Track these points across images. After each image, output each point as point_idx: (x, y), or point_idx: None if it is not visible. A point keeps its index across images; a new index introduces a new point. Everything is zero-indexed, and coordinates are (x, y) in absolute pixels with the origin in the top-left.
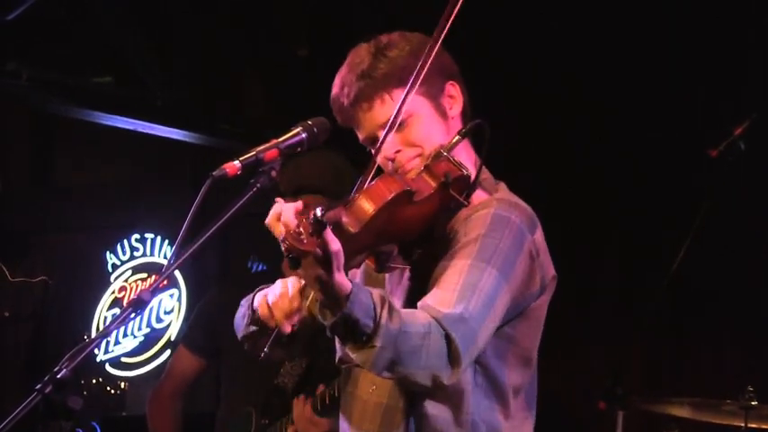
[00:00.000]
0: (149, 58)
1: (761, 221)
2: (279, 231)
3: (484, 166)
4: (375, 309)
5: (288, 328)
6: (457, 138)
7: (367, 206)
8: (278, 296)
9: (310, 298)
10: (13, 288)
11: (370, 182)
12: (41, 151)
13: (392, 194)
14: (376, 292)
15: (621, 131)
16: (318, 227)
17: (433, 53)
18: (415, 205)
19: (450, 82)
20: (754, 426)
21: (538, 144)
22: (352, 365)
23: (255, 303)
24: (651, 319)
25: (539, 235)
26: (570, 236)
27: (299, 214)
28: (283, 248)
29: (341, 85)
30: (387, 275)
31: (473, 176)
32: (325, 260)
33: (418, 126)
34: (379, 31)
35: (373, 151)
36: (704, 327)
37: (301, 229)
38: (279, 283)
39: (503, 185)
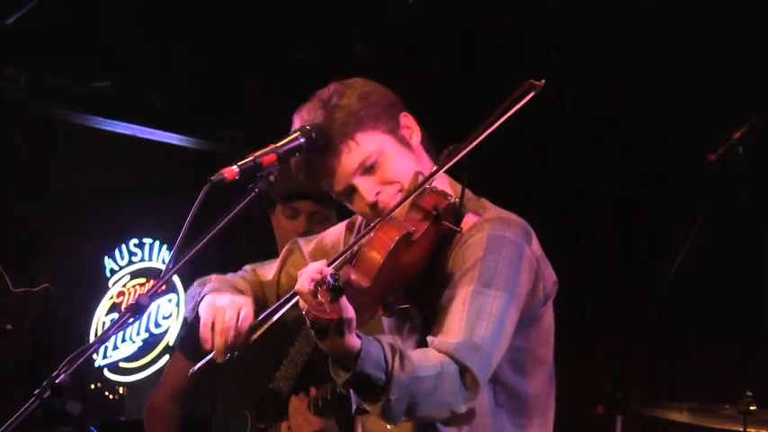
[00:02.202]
0: (149, 63)
1: (760, 226)
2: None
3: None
4: (386, 360)
5: (222, 359)
6: (436, 168)
7: (373, 258)
8: (224, 324)
9: (258, 333)
10: (15, 299)
11: (367, 233)
12: (40, 156)
13: (395, 241)
14: (386, 341)
15: (622, 135)
16: (337, 293)
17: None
18: (415, 245)
19: (403, 113)
20: (752, 431)
21: (538, 146)
22: None
23: (201, 311)
24: (650, 324)
25: (535, 244)
26: (570, 239)
27: (315, 283)
28: (308, 321)
29: None
30: (398, 318)
31: (458, 200)
32: (342, 326)
33: (390, 163)
34: (380, 35)
35: (350, 205)
36: (703, 331)
37: (320, 298)
38: (230, 306)
39: (485, 201)
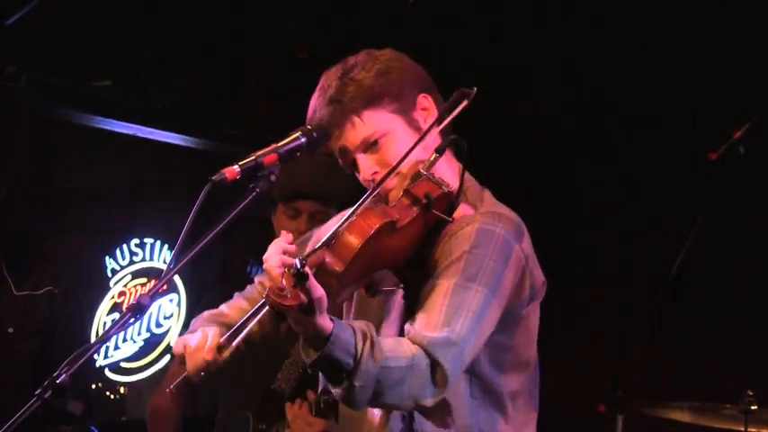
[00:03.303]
0: (149, 62)
1: (760, 226)
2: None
3: (467, 175)
4: (356, 346)
5: (195, 379)
6: (434, 156)
7: (350, 244)
8: (193, 348)
9: (227, 353)
10: (18, 302)
11: (353, 214)
12: (42, 155)
13: (373, 229)
14: (359, 328)
15: (621, 135)
16: (300, 279)
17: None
18: (399, 232)
19: (423, 95)
20: (753, 430)
21: (538, 145)
22: None
23: (174, 347)
24: (651, 323)
25: (526, 242)
26: (570, 239)
27: (283, 265)
28: (267, 304)
29: (313, 111)
30: (384, 298)
31: (455, 190)
32: (309, 308)
33: (392, 145)
34: (380, 34)
35: (357, 175)
36: (704, 330)
37: (284, 282)
38: (199, 332)
39: (487, 194)
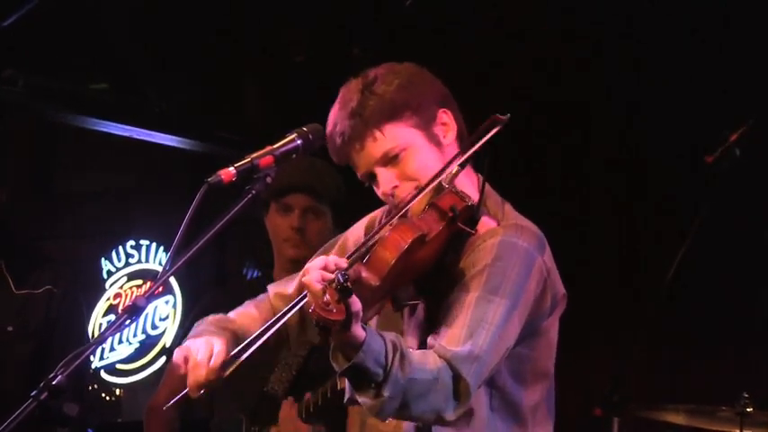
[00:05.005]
0: (147, 65)
1: (757, 229)
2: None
3: (487, 187)
4: (386, 357)
5: (195, 395)
6: (457, 169)
7: (385, 258)
8: (197, 362)
9: (231, 370)
10: (17, 301)
11: (383, 228)
12: (39, 158)
13: (408, 243)
14: (390, 338)
15: (619, 138)
16: (345, 294)
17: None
18: (427, 245)
19: (443, 109)
20: None
21: (537, 151)
22: None
23: (176, 353)
24: (647, 326)
25: (547, 255)
26: (568, 242)
27: (323, 280)
28: (313, 319)
29: (333, 124)
30: (405, 311)
31: (477, 202)
32: (348, 322)
33: (412, 159)
34: (377, 38)
35: (375, 188)
36: (701, 333)
37: (328, 297)
38: (203, 345)
39: (508, 207)
